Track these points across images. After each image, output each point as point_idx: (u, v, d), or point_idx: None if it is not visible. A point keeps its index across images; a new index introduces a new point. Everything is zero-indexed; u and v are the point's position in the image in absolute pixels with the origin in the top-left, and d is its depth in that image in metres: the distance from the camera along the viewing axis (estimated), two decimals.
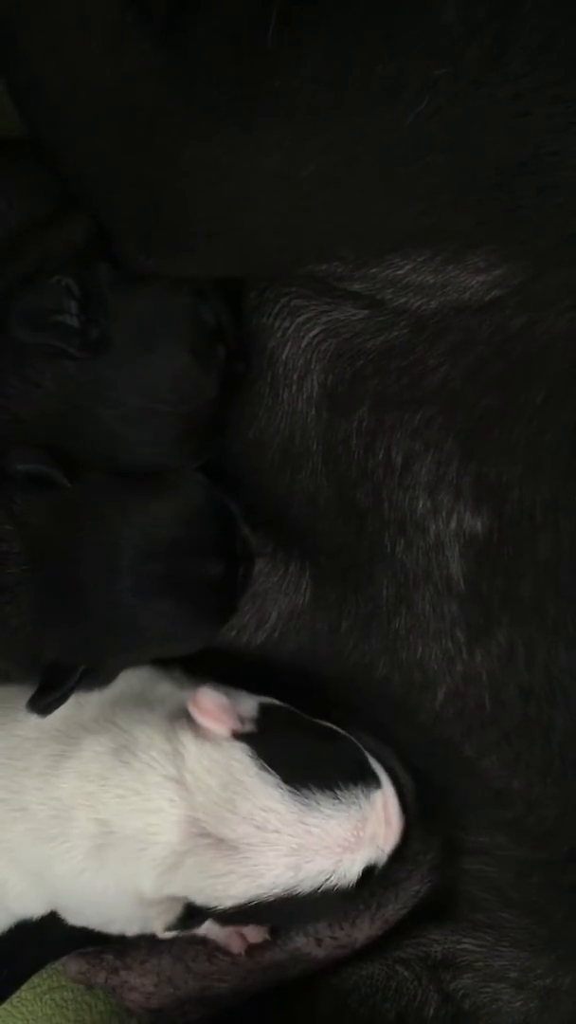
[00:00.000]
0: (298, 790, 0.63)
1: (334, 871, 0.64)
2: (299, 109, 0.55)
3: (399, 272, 0.59)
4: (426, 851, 0.73)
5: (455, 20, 0.51)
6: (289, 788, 0.63)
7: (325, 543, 0.68)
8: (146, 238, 0.62)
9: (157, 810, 0.63)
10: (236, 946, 0.73)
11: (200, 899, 0.64)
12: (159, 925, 0.64)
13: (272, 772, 0.63)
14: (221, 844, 0.63)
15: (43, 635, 0.63)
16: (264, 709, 0.66)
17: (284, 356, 0.65)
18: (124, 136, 0.59)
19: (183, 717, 0.65)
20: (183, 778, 0.64)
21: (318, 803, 0.63)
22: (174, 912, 0.64)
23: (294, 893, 0.63)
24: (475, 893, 0.73)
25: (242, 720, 0.65)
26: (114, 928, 0.71)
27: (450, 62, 0.52)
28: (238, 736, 0.64)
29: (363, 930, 0.73)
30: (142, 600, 0.63)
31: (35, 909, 0.70)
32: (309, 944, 0.73)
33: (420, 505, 0.63)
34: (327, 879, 0.64)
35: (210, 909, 0.64)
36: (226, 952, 0.74)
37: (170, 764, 0.64)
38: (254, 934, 0.73)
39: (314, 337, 0.64)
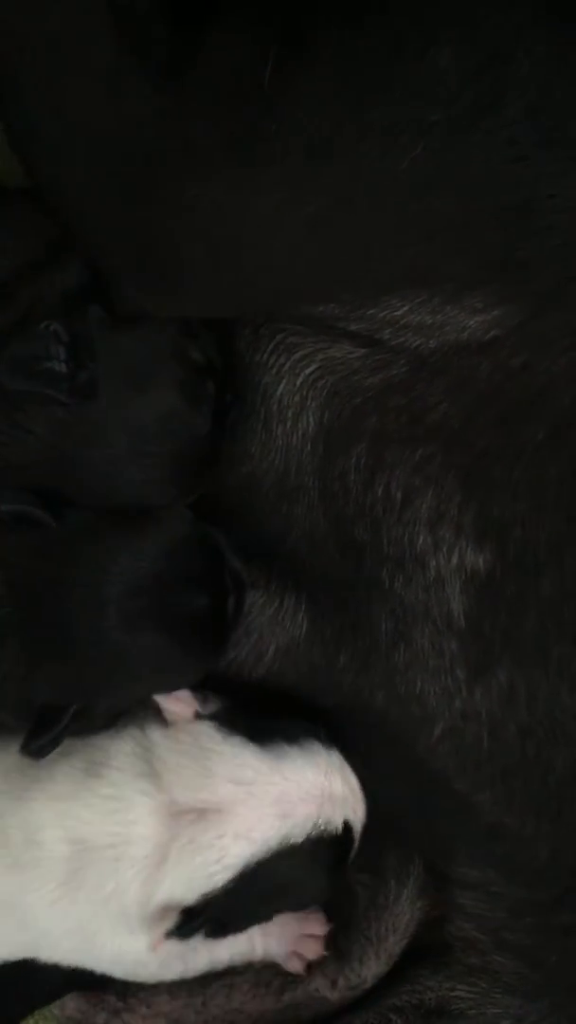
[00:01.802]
0: (265, 745, 0.66)
1: (319, 817, 0.66)
2: (295, 153, 0.56)
3: (397, 313, 0.60)
4: (408, 871, 0.74)
5: (451, 65, 0.53)
6: (257, 744, 0.66)
7: (322, 577, 0.69)
8: (142, 279, 0.63)
9: (130, 806, 0.65)
10: (295, 965, 0.74)
11: (194, 892, 0.64)
12: (156, 938, 0.64)
13: (238, 735, 0.67)
14: (205, 813, 0.65)
15: (32, 676, 0.64)
16: (224, 700, 0.70)
17: (279, 392, 0.66)
18: (121, 178, 0.61)
19: (151, 720, 0.68)
20: (154, 769, 0.66)
21: (287, 753, 0.66)
22: (171, 920, 0.64)
23: (288, 844, 0.65)
24: (469, 933, 0.73)
25: (204, 706, 0.69)
26: (101, 966, 0.71)
27: (446, 107, 0.54)
28: (201, 717, 0.68)
29: (371, 968, 0.75)
30: (129, 636, 0.64)
31: (8, 954, 0.70)
32: (325, 986, 0.75)
33: (420, 541, 0.65)
34: (315, 827, 0.66)
35: (209, 897, 0.64)
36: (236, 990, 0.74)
37: (140, 761, 0.66)
38: (313, 948, 0.74)
39: (310, 374, 0.66)
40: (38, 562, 0.64)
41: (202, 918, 0.64)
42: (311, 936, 0.75)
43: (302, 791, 0.66)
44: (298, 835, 0.65)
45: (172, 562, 0.65)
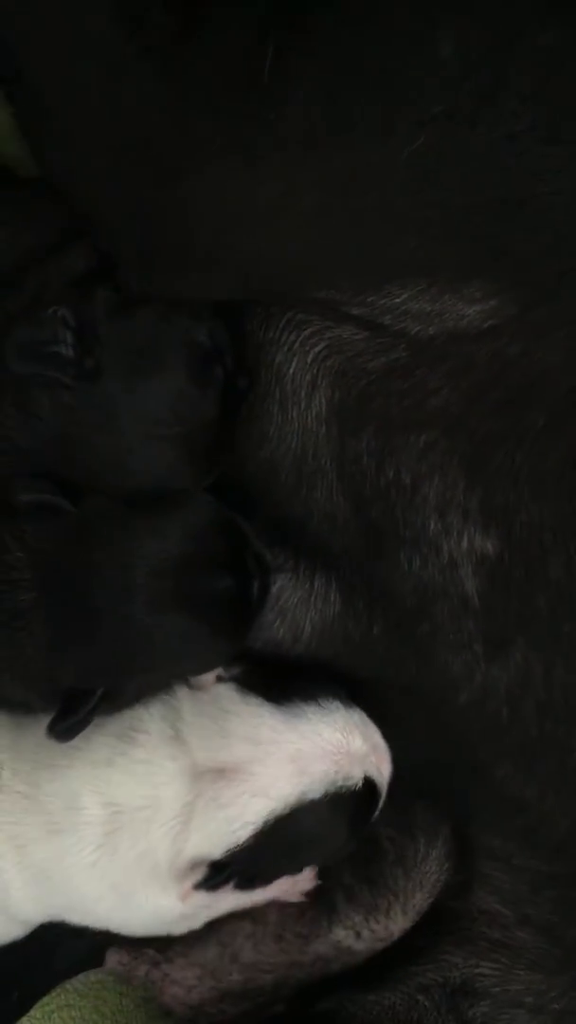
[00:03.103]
0: (283, 705, 0.68)
1: (337, 772, 0.68)
2: (295, 142, 0.57)
3: (396, 300, 0.61)
4: (437, 831, 0.76)
5: (452, 57, 0.53)
6: (274, 704, 0.68)
7: (348, 557, 0.70)
8: (149, 263, 0.64)
9: (160, 770, 0.67)
10: (293, 895, 0.76)
11: (219, 848, 0.66)
12: (185, 890, 0.66)
13: (256, 696, 0.69)
14: (225, 772, 0.67)
15: (59, 660, 0.65)
16: (246, 663, 0.72)
17: (291, 371, 0.67)
18: (126, 165, 0.62)
19: (178, 684, 0.71)
20: (180, 733, 0.68)
21: (304, 712, 0.68)
22: (199, 874, 0.66)
23: (306, 800, 0.67)
24: (491, 906, 0.75)
25: (227, 669, 0.71)
26: (133, 927, 0.74)
27: (446, 99, 0.54)
28: (223, 679, 0.71)
29: (397, 922, 0.77)
30: (154, 619, 0.65)
31: (38, 916, 0.72)
32: (349, 937, 0.77)
33: (432, 525, 0.66)
34: (333, 783, 0.67)
35: (233, 852, 0.66)
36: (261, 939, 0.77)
37: (168, 726, 0.69)
38: (304, 880, 0.76)
39: (319, 352, 0.66)
40: (62, 548, 0.65)
41: (228, 871, 0.67)
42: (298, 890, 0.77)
43: (318, 748, 0.68)
44: (316, 791, 0.67)
45: (196, 545, 0.66)
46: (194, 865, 0.67)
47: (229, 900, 0.72)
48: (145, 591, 0.64)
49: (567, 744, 0.67)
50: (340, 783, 0.68)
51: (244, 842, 0.66)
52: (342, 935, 0.77)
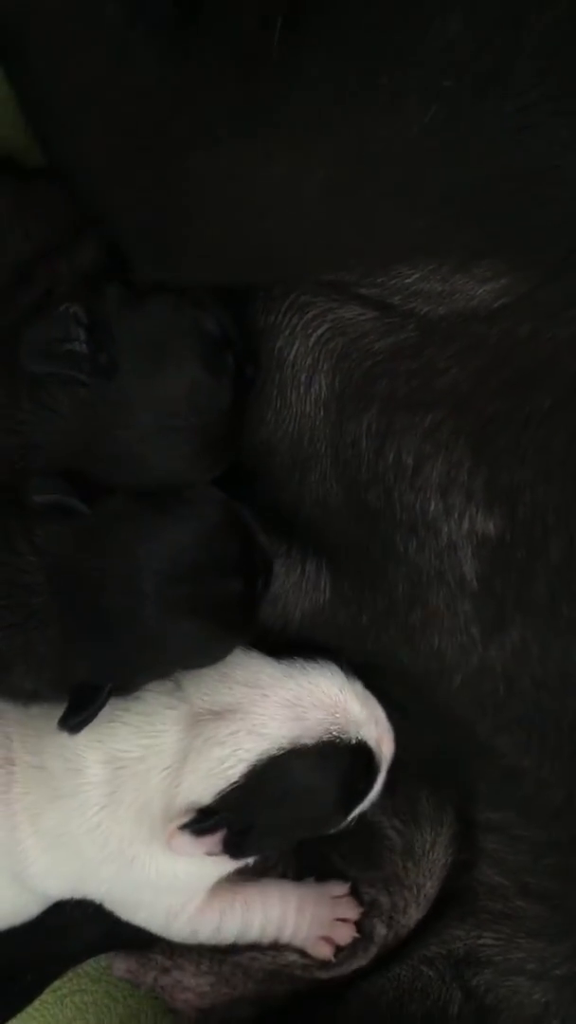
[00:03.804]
0: (283, 660, 0.69)
1: (332, 725, 0.68)
2: (303, 121, 0.56)
3: (407, 280, 0.60)
4: (442, 819, 0.76)
5: (461, 32, 0.52)
6: (275, 658, 0.69)
7: (339, 543, 0.70)
8: (156, 249, 0.63)
9: (159, 718, 0.68)
10: (324, 951, 0.76)
11: (211, 789, 0.66)
12: (170, 830, 0.66)
13: (257, 651, 0.70)
14: (221, 713, 0.67)
15: (70, 660, 0.65)
16: None
17: (292, 355, 0.66)
18: (132, 148, 0.61)
19: None
20: (180, 684, 0.69)
21: (304, 667, 0.69)
22: (187, 817, 0.66)
23: (299, 745, 0.67)
24: (493, 879, 0.75)
25: None
26: (141, 913, 0.73)
27: (456, 74, 0.53)
28: None
29: (412, 915, 0.77)
30: (167, 623, 0.65)
31: (59, 891, 0.72)
32: (373, 949, 0.76)
33: (432, 507, 0.65)
34: (327, 734, 0.67)
35: (224, 795, 0.66)
36: (314, 961, 0.76)
37: (168, 679, 0.69)
38: (344, 934, 0.76)
39: (322, 335, 0.65)
40: (74, 550, 0.65)
41: (219, 816, 0.66)
42: (343, 920, 0.76)
43: (315, 698, 0.68)
44: (309, 739, 0.67)
45: (209, 549, 0.66)
46: (186, 812, 0.66)
47: (223, 866, 0.71)
48: (157, 597, 0.64)
49: (562, 715, 0.68)
50: (336, 738, 0.68)
51: (235, 783, 0.66)
52: (374, 953, 0.77)
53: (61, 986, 0.81)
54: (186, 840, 0.66)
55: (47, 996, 0.80)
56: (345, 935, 0.76)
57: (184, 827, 0.66)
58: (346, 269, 0.61)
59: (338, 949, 0.76)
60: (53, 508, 0.64)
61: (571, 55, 0.53)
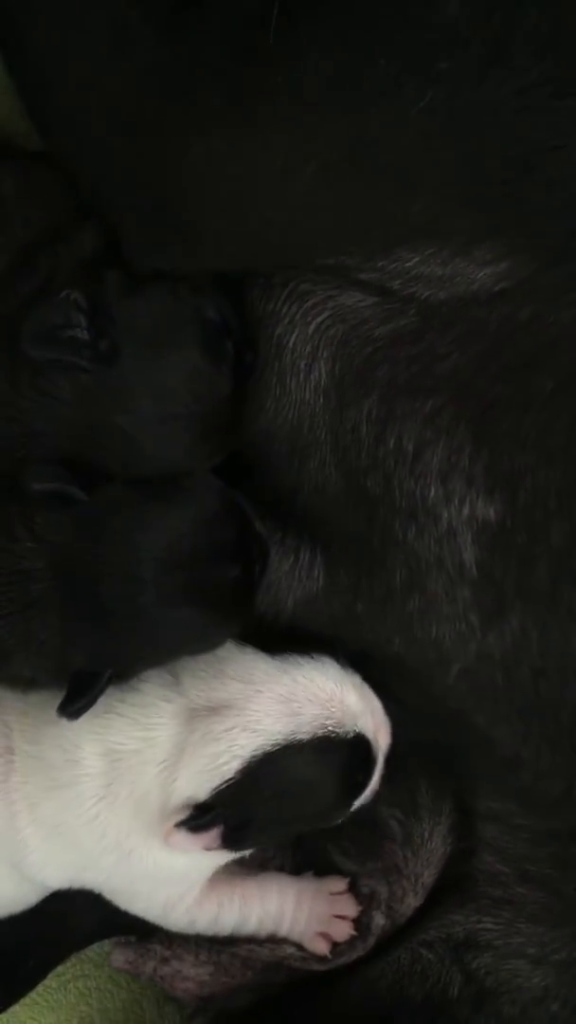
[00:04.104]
0: (278, 656, 0.69)
1: (328, 719, 0.67)
2: (302, 105, 0.56)
3: (407, 264, 0.60)
4: (441, 809, 0.76)
5: (459, 14, 0.52)
6: (270, 655, 0.69)
7: (335, 530, 0.69)
8: (155, 235, 0.63)
9: (155, 711, 0.67)
10: (321, 947, 0.75)
11: (206, 785, 0.66)
12: (167, 827, 0.65)
13: (251, 647, 0.69)
14: (216, 709, 0.67)
15: (69, 646, 0.65)
16: None
17: (292, 343, 0.66)
18: (130, 134, 0.60)
19: None
20: (176, 676, 0.68)
21: (299, 662, 0.68)
22: (184, 814, 0.66)
23: (295, 741, 0.66)
24: (493, 866, 0.75)
25: None
26: (138, 903, 0.73)
27: (453, 56, 0.53)
28: None
29: (410, 903, 0.77)
30: (165, 611, 0.65)
31: (58, 881, 0.72)
32: (371, 939, 0.76)
33: (432, 493, 0.65)
34: (323, 728, 0.67)
35: (220, 791, 0.65)
36: (311, 956, 0.76)
37: (166, 672, 0.68)
38: (341, 930, 0.75)
39: (322, 322, 0.65)
40: (73, 538, 0.65)
41: (214, 813, 0.66)
42: (341, 917, 0.76)
43: (309, 693, 0.67)
44: (305, 734, 0.67)
45: (207, 536, 0.66)
46: (182, 808, 0.66)
47: (220, 857, 0.71)
48: (155, 585, 0.64)
49: (561, 704, 0.67)
50: (331, 731, 0.67)
51: (230, 779, 0.66)
52: (372, 944, 0.77)
53: (64, 971, 0.81)
54: (183, 837, 0.66)
55: (50, 981, 0.80)
56: (342, 931, 0.76)
57: (181, 824, 0.65)
58: (346, 254, 0.60)
59: (335, 945, 0.76)
60: (52, 496, 0.64)
61: (569, 37, 0.53)
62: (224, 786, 0.66)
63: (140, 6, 0.58)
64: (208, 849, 0.67)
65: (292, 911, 0.75)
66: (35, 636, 0.65)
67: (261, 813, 0.68)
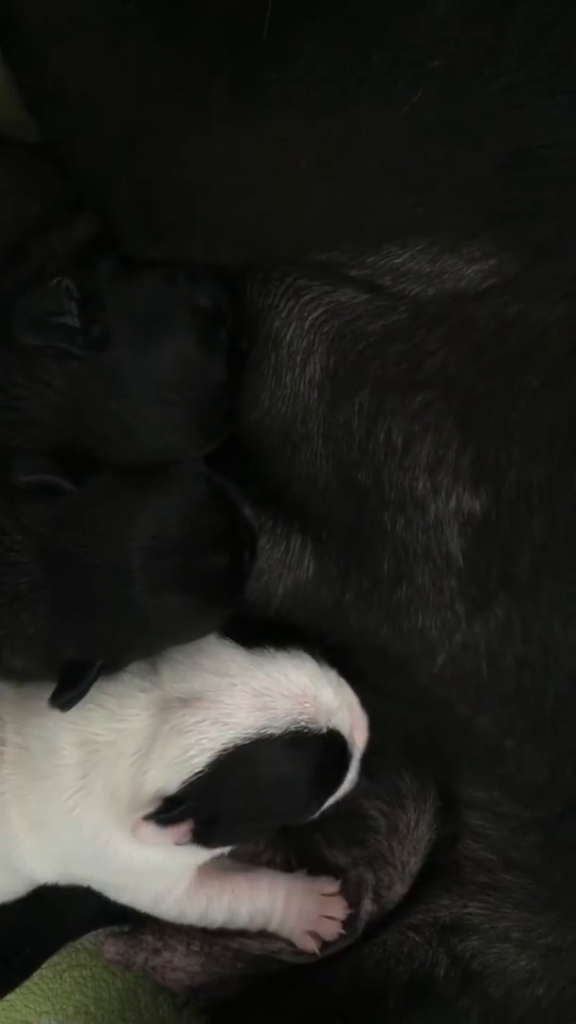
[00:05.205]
0: (255, 649, 0.68)
1: (301, 715, 0.66)
2: (295, 101, 0.55)
3: (397, 260, 0.59)
4: (425, 797, 0.75)
5: (450, 12, 0.51)
6: (247, 648, 0.68)
7: (325, 520, 0.69)
8: (149, 227, 0.62)
9: (130, 701, 0.66)
10: (309, 944, 0.75)
11: (176, 777, 0.65)
12: (134, 820, 0.64)
13: (229, 639, 0.68)
14: (189, 700, 0.66)
15: (59, 638, 0.64)
16: None
17: (288, 337, 0.65)
18: (126, 128, 0.60)
19: None
20: (155, 667, 0.67)
21: (275, 656, 0.67)
22: (154, 807, 0.65)
23: (266, 735, 0.65)
24: (478, 853, 0.75)
25: None
26: (126, 895, 0.72)
27: (445, 54, 0.52)
28: None
29: (396, 891, 0.76)
30: (155, 599, 0.64)
31: (45, 874, 0.71)
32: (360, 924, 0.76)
33: (420, 486, 0.64)
34: (296, 723, 0.66)
35: (190, 784, 0.64)
36: (301, 952, 0.75)
37: (145, 662, 0.67)
38: (330, 929, 0.75)
39: (317, 318, 0.64)
40: (61, 529, 0.63)
41: (185, 806, 0.65)
42: (330, 918, 0.75)
43: (283, 688, 0.66)
44: (277, 729, 0.66)
45: (194, 524, 0.65)
46: (152, 801, 0.65)
47: (195, 853, 0.70)
48: (144, 573, 0.63)
49: (543, 694, 0.67)
50: (304, 727, 0.66)
51: (199, 772, 0.64)
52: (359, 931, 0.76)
53: (59, 961, 0.80)
54: (151, 830, 0.64)
55: (45, 970, 0.79)
56: (331, 931, 0.75)
57: (149, 817, 0.64)
58: (338, 249, 0.60)
59: (324, 943, 0.75)
60: (39, 487, 0.63)
61: (560, 34, 0.52)
62: (193, 779, 0.65)
63: (136, 2, 0.57)
64: (178, 844, 0.65)
65: (282, 909, 0.74)
66: (24, 628, 0.64)
67: (230, 808, 0.66)
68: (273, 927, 0.75)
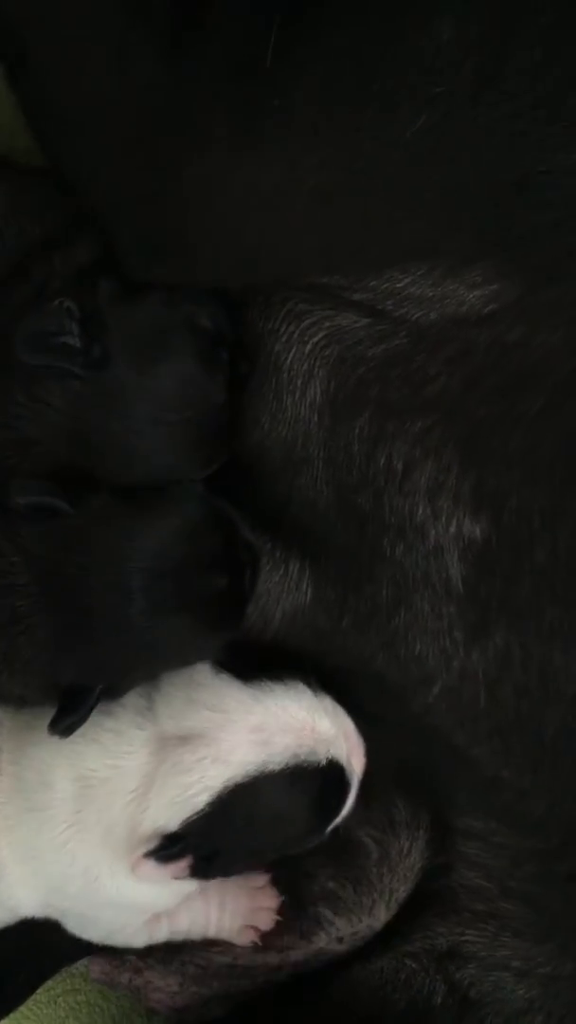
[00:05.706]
0: (251, 683, 0.66)
1: (300, 748, 0.65)
2: (297, 127, 0.55)
3: (398, 285, 0.59)
4: (418, 824, 0.74)
5: (452, 38, 0.51)
6: (243, 681, 0.66)
7: (324, 544, 0.68)
8: (151, 250, 0.62)
9: (127, 738, 0.65)
10: (248, 937, 0.73)
11: (176, 816, 0.64)
12: (134, 858, 0.63)
13: (227, 672, 0.67)
14: (188, 738, 0.65)
15: (58, 662, 0.63)
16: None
17: (288, 361, 0.65)
18: (128, 151, 0.60)
19: None
20: (152, 704, 0.66)
21: (271, 689, 0.66)
22: (152, 844, 0.64)
23: (266, 771, 0.64)
24: (474, 881, 0.73)
25: None
26: (91, 930, 0.71)
27: (447, 80, 0.52)
28: None
29: (380, 917, 0.75)
30: (154, 621, 0.63)
31: (29, 906, 0.70)
32: (332, 943, 0.74)
33: (420, 511, 0.64)
34: (296, 758, 0.65)
35: (190, 823, 0.63)
36: (238, 953, 0.74)
37: (142, 698, 0.66)
38: (265, 919, 0.73)
39: (318, 342, 0.64)
40: (60, 551, 0.63)
41: (183, 843, 0.63)
42: (262, 908, 0.74)
43: (281, 722, 0.65)
44: (277, 764, 0.64)
45: (193, 545, 0.64)
46: (151, 838, 0.64)
47: (187, 886, 0.69)
48: (143, 596, 0.62)
49: (542, 724, 0.66)
50: (304, 760, 0.65)
51: (200, 811, 0.63)
52: (326, 941, 0.74)
53: (54, 986, 0.79)
54: (151, 867, 0.63)
55: (40, 996, 0.78)
56: (266, 920, 0.73)
57: (149, 854, 0.63)
58: (339, 273, 0.60)
59: (265, 935, 0.74)
60: (37, 509, 0.62)
61: (562, 60, 0.52)
62: (195, 817, 0.64)
63: (140, 27, 0.58)
64: (176, 879, 0.65)
65: (216, 912, 0.73)
66: (21, 653, 0.63)
67: (232, 843, 0.66)
68: (212, 932, 0.74)
